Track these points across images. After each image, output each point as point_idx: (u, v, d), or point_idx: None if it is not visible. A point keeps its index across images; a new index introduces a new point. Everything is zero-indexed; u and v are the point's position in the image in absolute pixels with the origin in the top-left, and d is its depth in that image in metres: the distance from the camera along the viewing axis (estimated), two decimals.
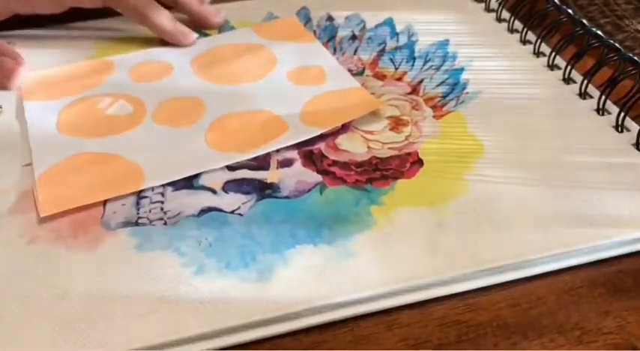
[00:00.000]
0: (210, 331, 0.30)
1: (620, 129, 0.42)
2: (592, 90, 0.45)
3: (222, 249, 0.34)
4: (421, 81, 0.46)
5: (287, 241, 0.34)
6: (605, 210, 0.36)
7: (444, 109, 0.43)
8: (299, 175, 0.38)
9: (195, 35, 0.51)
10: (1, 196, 0.37)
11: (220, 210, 0.36)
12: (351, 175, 0.38)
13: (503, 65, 0.48)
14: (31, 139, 0.41)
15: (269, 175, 0.38)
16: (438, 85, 0.46)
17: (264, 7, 0.55)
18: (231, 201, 0.37)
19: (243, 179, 0.38)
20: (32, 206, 0.36)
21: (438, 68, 0.47)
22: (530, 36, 0.50)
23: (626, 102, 0.42)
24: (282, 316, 0.31)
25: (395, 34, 0.52)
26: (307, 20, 0.53)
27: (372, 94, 0.45)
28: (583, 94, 0.45)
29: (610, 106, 0.43)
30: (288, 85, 0.46)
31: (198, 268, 0.33)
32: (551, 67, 0.48)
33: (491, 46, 0.50)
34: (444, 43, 0.50)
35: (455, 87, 0.46)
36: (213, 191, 0.37)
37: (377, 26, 0.53)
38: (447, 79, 0.46)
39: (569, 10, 0.48)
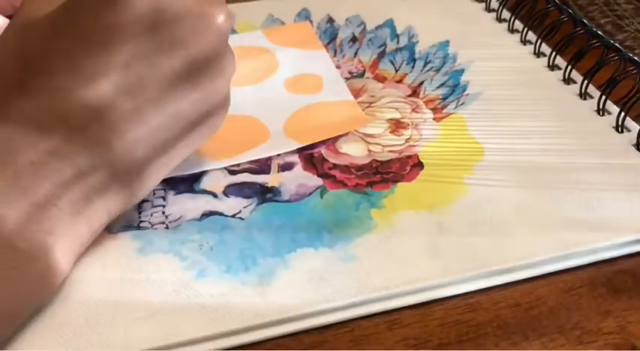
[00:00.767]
0: (211, 335, 0.30)
1: (620, 129, 0.42)
2: (592, 90, 0.45)
3: (223, 253, 0.34)
4: (421, 83, 0.46)
5: (288, 244, 0.34)
6: (605, 211, 0.36)
7: (444, 111, 0.44)
8: (300, 178, 0.38)
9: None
10: None
11: (221, 214, 0.36)
12: (352, 179, 0.38)
13: (504, 66, 0.48)
14: None
15: (270, 179, 0.38)
16: (438, 87, 0.46)
17: (264, 9, 0.56)
18: (232, 205, 0.37)
19: (244, 183, 0.38)
20: None
21: (438, 70, 0.48)
22: (531, 36, 0.50)
23: (627, 102, 0.42)
24: (283, 319, 0.31)
25: (395, 35, 0.52)
26: (307, 21, 0.54)
27: (372, 96, 0.45)
28: (583, 95, 0.45)
29: (610, 106, 0.43)
30: (283, 92, 0.46)
31: (200, 272, 0.33)
32: (552, 67, 0.48)
33: (491, 46, 0.50)
34: (445, 44, 0.50)
35: (455, 88, 0.46)
36: (215, 195, 0.37)
37: (377, 28, 0.53)
38: (448, 80, 0.46)
39: (570, 10, 0.48)
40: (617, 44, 0.44)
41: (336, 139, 0.41)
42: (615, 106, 0.43)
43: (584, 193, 0.37)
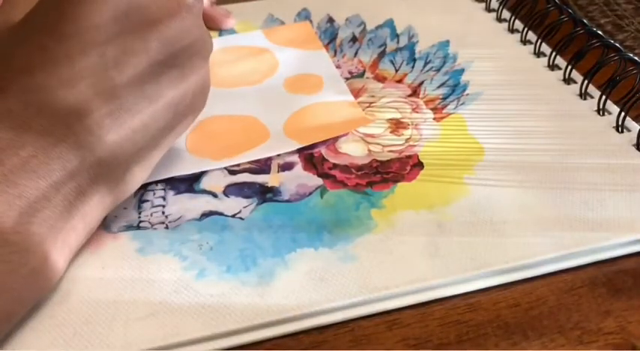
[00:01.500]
0: (211, 335, 0.30)
1: (620, 129, 0.42)
2: (592, 90, 0.45)
3: (223, 253, 0.34)
4: (422, 83, 0.46)
5: (288, 244, 0.34)
6: (605, 211, 0.36)
7: (445, 111, 0.44)
8: (300, 178, 0.38)
9: (234, 18, 0.52)
10: None
11: (221, 214, 0.36)
12: (352, 179, 0.38)
13: (504, 66, 0.48)
14: None
15: (270, 179, 0.38)
16: (438, 87, 0.46)
17: (264, 9, 0.56)
18: (232, 205, 0.37)
19: (244, 183, 0.38)
20: None
21: (438, 70, 0.48)
22: (531, 36, 0.50)
23: (627, 102, 0.42)
24: (283, 320, 0.31)
25: (395, 35, 0.52)
26: (307, 21, 0.54)
27: (372, 96, 0.45)
28: (583, 95, 0.45)
29: (610, 106, 0.43)
30: (283, 92, 0.46)
31: (200, 272, 0.33)
32: (552, 67, 0.48)
33: (491, 46, 0.50)
34: (445, 44, 0.50)
35: (455, 88, 0.46)
36: (215, 195, 0.37)
37: (377, 28, 0.53)
38: (448, 80, 0.46)
39: (570, 10, 0.48)
40: (617, 44, 0.44)
41: (336, 139, 0.41)
42: (615, 106, 0.43)
43: (584, 193, 0.37)
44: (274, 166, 0.39)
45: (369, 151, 0.40)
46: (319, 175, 0.39)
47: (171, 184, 0.38)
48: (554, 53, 0.47)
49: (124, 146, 0.31)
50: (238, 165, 0.39)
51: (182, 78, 0.33)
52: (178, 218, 0.36)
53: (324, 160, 0.40)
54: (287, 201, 0.37)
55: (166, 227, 0.35)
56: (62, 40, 0.29)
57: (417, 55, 0.49)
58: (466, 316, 0.32)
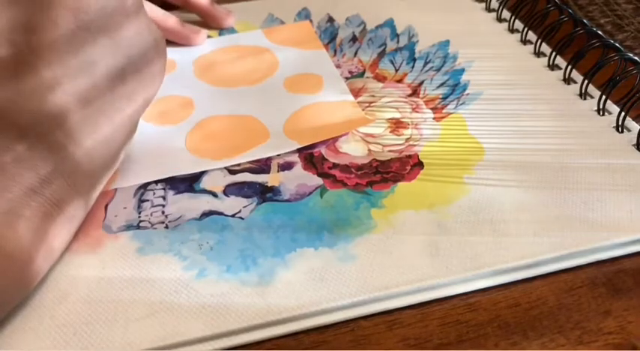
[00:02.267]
0: (211, 334, 0.30)
1: (620, 129, 0.42)
2: (592, 90, 0.45)
3: (224, 252, 0.34)
4: (422, 82, 0.46)
5: (288, 244, 0.34)
6: (605, 211, 0.36)
7: (445, 110, 0.44)
8: (300, 178, 0.38)
9: (206, 33, 0.52)
10: None
11: (221, 213, 0.36)
12: (352, 178, 0.38)
13: (504, 66, 0.48)
14: None
15: (270, 179, 0.38)
16: (438, 87, 0.46)
17: (264, 8, 0.56)
18: (232, 204, 0.37)
19: (244, 183, 0.38)
20: None
21: (438, 69, 0.48)
22: (531, 36, 0.50)
23: (627, 102, 0.42)
24: (283, 320, 0.31)
25: (395, 35, 0.52)
26: (307, 21, 0.54)
27: (372, 96, 0.45)
28: (583, 95, 0.45)
29: (610, 106, 0.43)
30: (283, 92, 0.46)
31: (200, 272, 0.33)
32: (552, 67, 0.48)
33: (491, 46, 0.50)
34: (445, 44, 0.50)
35: (455, 88, 0.46)
36: (215, 195, 0.37)
37: (377, 27, 0.53)
38: (448, 80, 0.46)
39: (570, 10, 0.48)
40: (617, 44, 0.44)
41: (336, 139, 0.41)
42: (615, 106, 0.43)
43: (584, 192, 0.37)
44: (274, 166, 0.39)
45: (369, 150, 0.40)
46: (319, 175, 0.39)
47: (171, 184, 0.38)
48: (554, 53, 0.47)
49: (99, 150, 0.32)
50: (238, 165, 0.39)
51: (117, 44, 0.33)
52: (178, 218, 0.36)
53: (324, 159, 0.40)
54: (287, 201, 0.37)
55: (166, 227, 0.35)
56: (36, 47, 0.30)
57: (417, 55, 0.49)
58: (466, 316, 0.32)
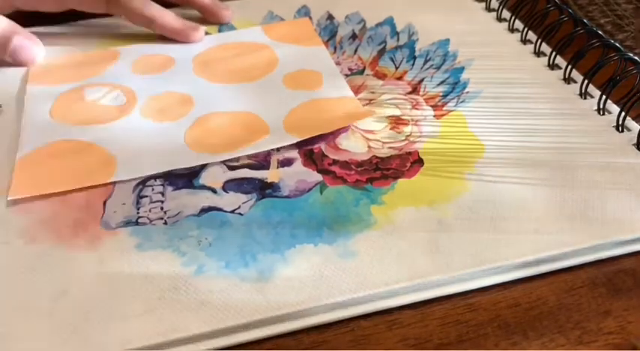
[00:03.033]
0: (210, 331, 0.30)
1: (620, 129, 0.42)
2: (592, 90, 0.45)
3: (223, 248, 0.34)
4: (422, 80, 0.46)
5: (287, 240, 0.34)
6: (605, 210, 0.36)
7: (445, 108, 0.43)
8: (299, 174, 0.38)
9: (204, 29, 0.51)
10: (0, 196, 0.37)
11: (220, 209, 0.36)
12: (352, 175, 0.38)
13: (504, 65, 0.48)
14: (23, 121, 0.42)
15: (269, 175, 0.38)
16: (438, 85, 0.46)
17: (264, 5, 0.55)
18: (231, 200, 0.37)
19: (244, 179, 0.38)
20: (32, 206, 0.36)
21: (438, 67, 0.47)
22: (531, 36, 0.50)
23: (627, 102, 0.42)
24: (283, 316, 0.31)
25: (395, 33, 0.51)
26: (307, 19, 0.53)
27: (372, 93, 0.45)
28: (583, 94, 0.45)
29: (610, 105, 0.43)
30: (282, 88, 0.45)
31: (199, 268, 0.33)
32: (552, 66, 0.47)
33: (491, 45, 0.50)
34: (445, 43, 0.50)
35: (455, 86, 0.45)
36: (214, 190, 0.37)
37: (377, 25, 0.52)
38: (448, 78, 0.46)
39: (570, 10, 0.48)
40: (617, 44, 0.44)
41: (336, 135, 0.41)
42: (615, 106, 0.43)
43: (584, 191, 0.37)
44: (274, 162, 0.39)
45: (369, 147, 0.40)
46: (319, 171, 0.38)
47: (170, 180, 0.38)
48: (554, 53, 0.47)
49: None
50: (237, 160, 0.39)
51: None
52: (177, 214, 0.36)
53: (323, 156, 0.39)
54: (286, 197, 0.37)
55: (165, 223, 0.35)
56: None
57: (417, 53, 0.49)
58: (466, 315, 0.32)
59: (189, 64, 0.48)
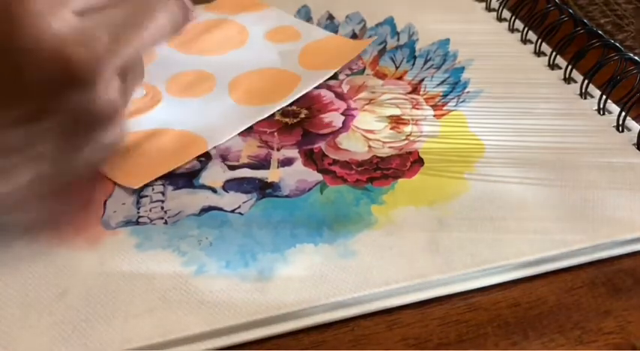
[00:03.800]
0: (210, 331, 0.30)
1: (620, 129, 0.42)
2: (593, 90, 0.45)
3: (223, 248, 0.34)
4: (422, 80, 0.46)
5: (287, 240, 0.34)
6: (605, 210, 0.36)
7: (445, 108, 0.43)
8: (299, 174, 0.38)
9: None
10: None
11: (221, 209, 0.36)
12: (352, 175, 0.38)
13: (504, 64, 0.48)
14: None
15: (269, 174, 0.38)
16: (438, 84, 0.46)
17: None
18: (231, 200, 0.37)
19: (244, 178, 0.38)
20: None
21: (438, 67, 0.47)
22: (531, 36, 0.50)
23: (627, 102, 0.42)
24: (283, 316, 0.31)
25: (395, 33, 0.51)
26: (308, 19, 0.53)
27: (373, 93, 0.45)
28: (584, 94, 0.45)
29: (610, 105, 0.43)
30: (270, 44, 0.48)
31: (199, 268, 0.33)
32: (552, 66, 0.48)
33: (491, 45, 0.50)
34: (445, 43, 0.50)
35: (456, 86, 0.45)
36: (214, 190, 0.37)
37: (377, 25, 0.52)
38: (448, 78, 0.46)
39: (570, 10, 0.48)
40: (617, 44, 0.44)
41: (336, 134, 0.41)
42: (615, 106, 0.43)
43: (585, 191, 0.37)
44: (274, 162, 0.39)
45: (370, 147, 0.40)
46: (319, 171, 0.38)
47: (170, 179, 0.38)
48: (554, 53, 0.47)
49: None
50: (237, 160, 0.39)
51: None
52: (177, 213, 0.36)
53: (324, 155, 0.40)
54: (287, 196, 0.37)
55: (165, 222, 0.35)
56: None
57: (417, 53, 0.49)
58: (466, 315, 0.32)
59: (169, 48, 0.48)
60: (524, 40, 0.50)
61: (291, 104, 0.43)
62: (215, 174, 0.38)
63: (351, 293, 0.31)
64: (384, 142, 0.40)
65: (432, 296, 0.32)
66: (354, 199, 0.36)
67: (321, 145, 0.40)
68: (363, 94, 0.45)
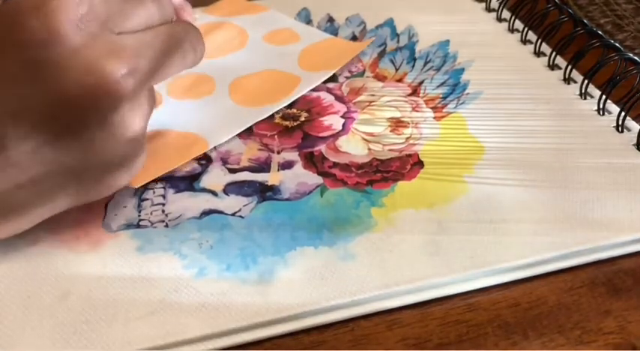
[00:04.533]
0: (211, 333, 0.30)
1: (620, 129, 0.42)
2: (592, 90, 0.45)
3: (223, 251, 0.34)
4: (422, 82, 0.46)
5: (288, 243, 0.34)
6: (605, 210, 0.36)
7: (445, 110, 0.44)
8: (300, 177, 0.38)
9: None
10: None
11: (221, 212, 0.36)
12: (352, 177, 0.38)
13: (504, 65, 0.48)
14: None
15: (270, 177, 0.38)
16: (438, 86, 0.46)
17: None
18: (232, 203, 0.37)
19: (244, 181, 0.38)
20: None
21: (438, 69, 0.48)
22: (531, 36, 0.50)
23: (627, 102, 0.42)
24: (283, 319, 0.31)
25: (395, 34, 0.52)
26: (308, 21, 0.53)
27: (372, 95, 0.45)
28: (583, 94, 0.45)
29: (610, 106, 0.43)
30: (270, 47, 0.48)
31: (199, 271, 0.33)
32: (552, 67, 0.48)
33: (491, 46, 0.50)
34: (445, 44, 0.50)
35: (455, 88, 0.46)
36: (214, 193, 0.37)
37: (377, 27, 0.53)
38: (448, 79, 0.46)
39: (570, 10, 0.48)
40: (617, 44, 0.44)
41: (336, 137, 0.41)
42: (615, 106, 0.43)
43: (584, 192, 0.37)
44: (274, 165, 0.39)
45: (370, 149, 0.40)
46: (319, 174, 0.39)
47: (171, 183, 0.38)
48: (554, 53, 0.47)
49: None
50: (238, 163, 0.39)
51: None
52: (178, 217, 0.36)
53: (324, 158, 0.40)
54: (287, 199, 0.37)
55: (166, 226, 0.35)
56: None
57: (417, 55, 0.49)
58: (466, 315, 0.32)
59: None
60: (524, 41, 0.50)
61: (291, 107, 0.44)
62: (216, 177, 0.38)
63: (351, 296, 0.32)
64: (383, 145, 0.41)
65: (431, 297, 0.32)
66: (354, 202, 0.37)
67: (321, 147, 0.40)
68: (362, 97, 0.45)
